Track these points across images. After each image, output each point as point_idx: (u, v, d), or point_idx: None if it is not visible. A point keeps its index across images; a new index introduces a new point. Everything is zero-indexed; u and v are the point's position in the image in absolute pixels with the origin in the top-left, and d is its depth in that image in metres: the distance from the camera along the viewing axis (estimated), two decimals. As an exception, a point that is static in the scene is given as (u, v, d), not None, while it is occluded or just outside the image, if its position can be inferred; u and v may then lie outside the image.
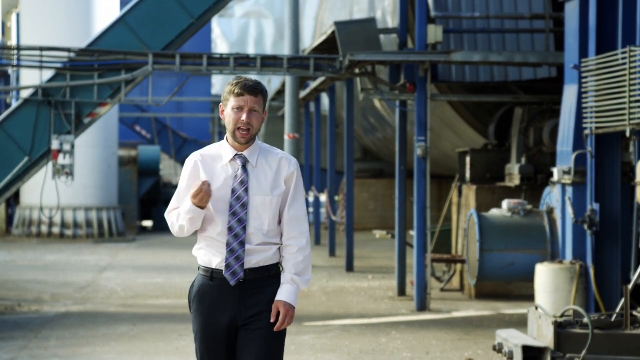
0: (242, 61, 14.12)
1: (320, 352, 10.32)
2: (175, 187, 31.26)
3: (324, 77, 17.36)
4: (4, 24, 33.28)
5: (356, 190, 24.45)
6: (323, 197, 23.43)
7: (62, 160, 14.21)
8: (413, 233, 13.84)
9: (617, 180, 11.21)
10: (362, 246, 21.74)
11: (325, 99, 23.83)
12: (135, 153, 29.17)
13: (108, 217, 25.69)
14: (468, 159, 15.26)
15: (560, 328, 8.86)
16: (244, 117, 5.19)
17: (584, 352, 8.63)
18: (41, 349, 10.43)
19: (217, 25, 44.09)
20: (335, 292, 15.02)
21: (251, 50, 44.32)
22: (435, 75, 14.23)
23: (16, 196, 26.02)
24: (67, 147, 14.14)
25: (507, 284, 14.46)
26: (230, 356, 5.25)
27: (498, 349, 9.34)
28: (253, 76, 5.39)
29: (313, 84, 20.62)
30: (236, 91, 5.21)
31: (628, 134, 10.40)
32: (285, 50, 19.60)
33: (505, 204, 12.91)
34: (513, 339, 9.14)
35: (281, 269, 5.27)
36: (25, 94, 14.77)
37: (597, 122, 10.97)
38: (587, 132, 11.16)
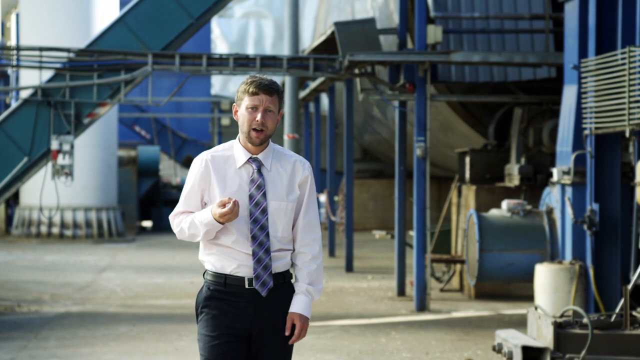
0: (242, 61, 14.12)
1: (319, 352, 10.32)
2: (175, 187, 31.28)
3: (324, 78, 17.36)
4: (3, 24, 33.27)
5: (355, 191, 24.46)
6: (322, 198, 23.43)
7: (61, 160, 14.20)
8: (412, 233, 13.84)
9: (617, 180, 11.21)
10: (361, 246, 21.74)
11: (324, 99, 23.83)
12: (135, 153, 29.17)
13: (107, 217, 25.69)
14: (467, 159, 15.27)
15: (560, 328, 8.86)
16: (258, 117, 4.97)
17: (583, 353, 8.63)
18: (40, 349, 10.43)
19: (216, 25, 44.06)
20: (334, 293, 15.02)
21: (250, 51, 44.32)
22: (435, 75, 14.24)
23: (15, 196, 26.02)
24: (66, 147, 14.13)
25: (506, 284, 14.46)
26: None
27: (497, 349, 9.34)
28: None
29: (312, 84, 20.61)
30: (251, 90, 4.98)
31: (627, 134, 10.40)
32: (285, 51, 19.60)
33: (504, 204, 12.91)
34: (512, 339, 9.13)
35: (293, 276, 5.11)
36: (24, 94, 14.77)
37: (596, 123, 10.96)
38: (586, 132, 11.15)
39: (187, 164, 34.64)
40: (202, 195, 5.06)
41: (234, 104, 5.07)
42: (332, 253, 20.75)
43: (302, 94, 22.08)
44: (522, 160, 14.44)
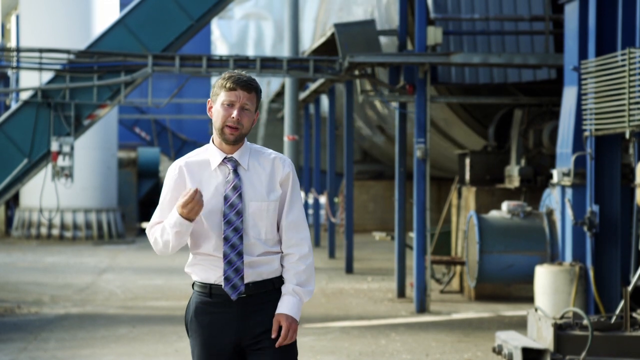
0: (242, 63, 14.13)
1: (319, 353, 10.32)
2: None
3: (324, 79, 17.37)
4: (3, 26, 33.28)
5: (356, 192, 24.47)
6: (322, 199, 23.43)
7: (61, 162, 14.20)
8: (412, 235, 13.84)
9: (617, 182, 11.20)
10: (361, 248, 21.74)
11: (324, 101, 23.84)
12: (135, 155, 29.17)
13: (107, 218, 25.70)
14: (467, 161, 15.27)
15: (560, 330, 8.86)
16: (234, 113, 4.67)
17: (583, 354, 8.63)
18: (40, 351, 10.42)
19: (216, 26, 44.07)
20: (334, 294, 15.01)
21: (250, 52, 44.32)
22: (435, 76, 14.24)
23: (15, 198, 26.02)
24: (66, 148, 14.13)
25: (506, 286, 14.46)
26: None
27: (497, 350, 9.34)
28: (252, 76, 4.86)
29: (312, 86, 20.62)
30: (228, 85, 4.67)
31: (627, 136, 10.40)
32: (285, 52, 19.62)
33: (504, 205, 12.90)
34: (512, 341, 9.13)
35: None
36: (24, 95, 14.78)
37: (596, 124, 10.96)
38: (586, 133, 11.15)
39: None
40: None
41: (209, 99, 4.77)
42: (332, 254, 20.75)
43: (302, 95, 22.11)
44: (522, 162, 14.43)
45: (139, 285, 16.09)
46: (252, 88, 4.71)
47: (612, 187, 11.22)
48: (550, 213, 12.38)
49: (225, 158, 4.74)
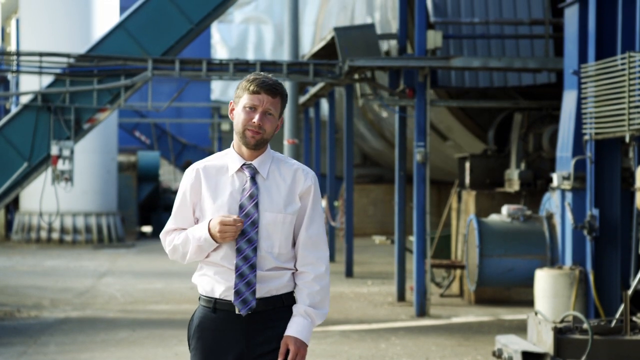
0: (242, 67, 14.13)
1: (319, 357, 10.31)
2: (175, 192, 31.26)
3: (323, 83, 17.37)
4: (3, 29, 33.29)
5: (355, 196, 24.45)
6: (322, 203, 23.41)
7: (61, 165, 14.21)
8: (412, 238, 13.84)
9: (617, 185, 11.21)
10: (361, 252, 21.74)
11: (324, 105, 23.84)
12: (135, 158, 29.17)
13: (107, 222, 25.69)
14: (467, 165, 15.27)
15: (560, 334, 8.86)
16: (255, 118, 4.43)
17: (583, 358, 8.63)
18: (40, 355, 10.42)
19: (216, 30, 44.10)
20: (334, 298, 15.01)
21: (250, 56, 44.34)
22: (435, 80, 14.24)
23: (15, 202, 26.02)
24: (66, 152, 14.14)
25: (506, 290, 14.45)
26: None
27: (497, 354, 9.34)
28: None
29: (312, 90, 20.62)
30: (251, 88, 4.43)
31: (627, 140, 10.40)
32: (285, 56, 19.60)
33: (504, 209, 12.91)
34: (512, 345, 9.13)
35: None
36: (24, 99, 14.77)
37: (596, 128, 10.96)
38: (586, 137, 11.16)
39: (186, 169, 34.65)
40: (194, 210, 4.56)
41: (231, 102, 4.55)
42: (332, 258, 20.74)
43: (302, 99, 22.10)
44: (522, 166, 14.44)
45: (138, 289, 16.08)
46: (277, 92, 4.47)
47: (612, 190, 11.22)
48: (550, 217, 12.38)
49: (244, 164, 4.50)
